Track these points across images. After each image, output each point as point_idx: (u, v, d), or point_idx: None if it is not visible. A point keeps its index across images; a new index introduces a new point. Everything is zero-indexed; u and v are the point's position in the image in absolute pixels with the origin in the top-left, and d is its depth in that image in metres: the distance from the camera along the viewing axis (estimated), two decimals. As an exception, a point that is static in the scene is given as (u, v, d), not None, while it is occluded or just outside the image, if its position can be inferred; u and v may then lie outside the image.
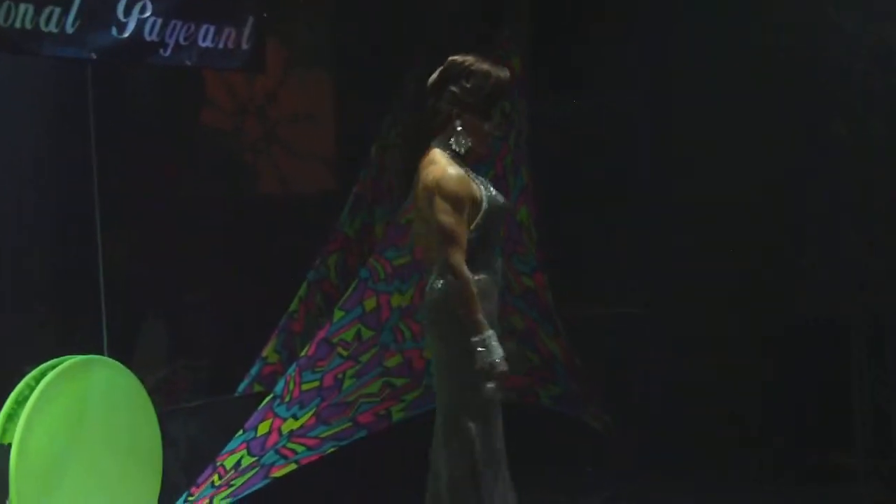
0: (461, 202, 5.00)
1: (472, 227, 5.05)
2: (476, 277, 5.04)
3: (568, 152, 8.57)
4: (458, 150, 5.13)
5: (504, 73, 5.21)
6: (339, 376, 6.83)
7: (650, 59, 8.34)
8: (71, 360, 6.01)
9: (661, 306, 8.40)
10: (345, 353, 6.86)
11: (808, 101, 7.85)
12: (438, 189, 5.03)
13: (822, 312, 7.87)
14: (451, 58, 5.23)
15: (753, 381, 8.05)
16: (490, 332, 4.93)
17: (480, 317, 4.93)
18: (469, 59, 5.19)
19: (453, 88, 5.15)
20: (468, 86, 5.13)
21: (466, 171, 5.13)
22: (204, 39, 7.06)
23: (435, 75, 5.23)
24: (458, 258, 4.95)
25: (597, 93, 8.61)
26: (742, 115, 7.95)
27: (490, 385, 4.96)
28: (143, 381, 6.37)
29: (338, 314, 6.93)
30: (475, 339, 4.92)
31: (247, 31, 7.31)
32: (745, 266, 8.03)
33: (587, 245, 8.50)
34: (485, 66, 5.17)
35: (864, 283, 7.68)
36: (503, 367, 4.92)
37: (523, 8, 7.99)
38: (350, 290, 7.01)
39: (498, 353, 4.92)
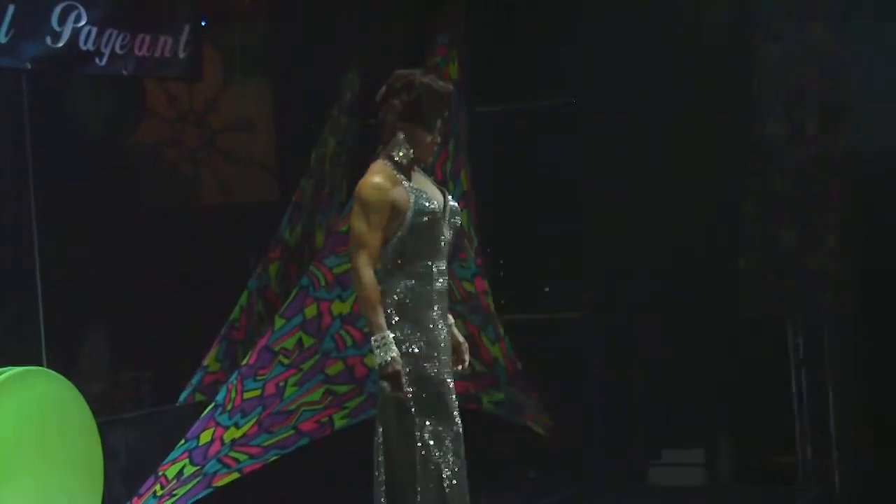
0: (373, 209, 5.15)
1: (394, 235, 5.17)
2: (404, 283, 5.16)
3: (507, 157, 8.60)
4: (400, 160, 5.23)
5: (445, 86, 5.36)
6: (281, 384, 6.82)
7: (591, 64, 8.38)
8: (9, 372, 5.95)
9: (602, 310, 8.44)
10: (286, 361, 6.85)
11: (744, 104, 7.92)
12: (357, 195, 5.24)
13: (761, 314, 7.94)
14: (395, 71, 5.33)
15: (695, 382, 8.11)
16: (386, 333, 5.07)
17: (377, 318, 5.08)
18: (412, 72, 5.32)
19: (396, 101, 5.26)
20: (410, 99, 5.25)
21: (403, 180, 5.21)
22: (140, 48, 7.04)
23: (382, 89, 5.32)
24: (362, 261, 5.12)
25: (535, 98, 8.64)
26: (680, 118, 8.00)
27: (384, 383, 5.07)
28: (83, 392, 6.31)
29: (279, 322, 6.92)
30: (373, 338, 5.07)
31: (183, 40, 7.29)
32: (685, 268, 8.09)
33: (527, 250, 8.53)
34: (426, 80, 5.29)
35: (801, 285, 7.76)
36: (396, 366, 5.04)
37: (459, 14, 8.01)
38: (291, 297, 7.01)
39: (392, 353, 5.04)
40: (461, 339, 5.41)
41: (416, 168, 5.32)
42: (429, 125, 5.28)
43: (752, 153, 7.95)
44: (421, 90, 5.25)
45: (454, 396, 5.24)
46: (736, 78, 7.95)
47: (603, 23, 8.22)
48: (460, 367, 5.40)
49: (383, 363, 5.04)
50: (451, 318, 5.40)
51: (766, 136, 7.90)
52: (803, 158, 7.76)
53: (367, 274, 5.11)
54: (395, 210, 5.17)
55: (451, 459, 5.17)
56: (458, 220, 5.42)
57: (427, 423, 5.14)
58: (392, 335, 5.07)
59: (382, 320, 5.08)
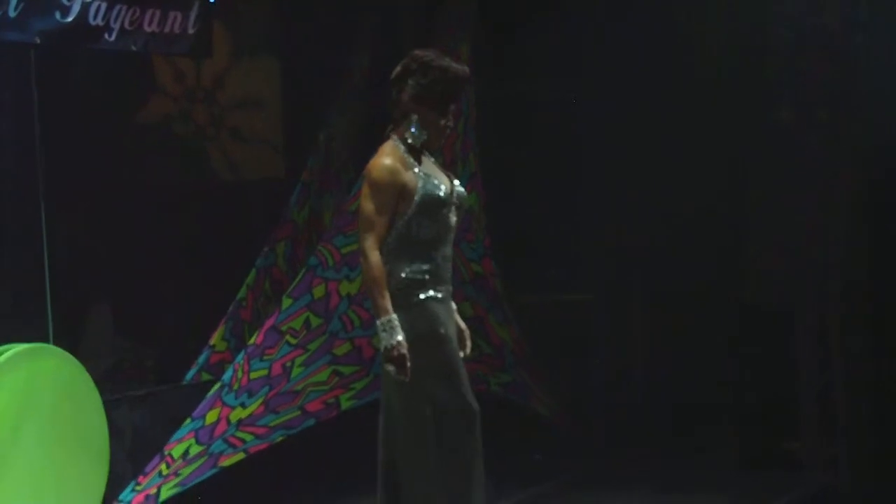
0: (382, 191, 5.12)
1: (401, 218, 5.15)
2: (409, 268, 5.14)
3: (516, 138, 8.58)
4: (413, 142, 5.21)
5: (462, 70, 5.32)
6: (288, 364, 6.81)
7: (599, 45, 8.36)
8: (16, 349, 5.95)
9: (610, 294, 8.42)
10: (293, 341, 6.84)
11: (755, 90, 7.89)
12: (367, 176, 5.21)
13: (768, 301, 7.93)
14: (412, 52, 5.30)
15: (701, 368, 8.10)
16: (392, 316, 5.04)
17: (383, 300, 5.06)
18: (429, 54, 5.28)
19: (411, 82, 5.22)
20: (426, 81, 5.22)
21: (413, 163, 5.18)
22: (149, 24, 7.00)
23: (397, 69, 5.28)
24: (370, 243, 5.10)
25: (545, 79, 8.62)
26: (690, 103, 7.98)
27: (389, 367, 5.04)
28: (89, 369, 6.32)
29: (286, 302, 6.91)
30: (378, 321, 5.05)
31: (193, 16, 7.25)
32: (693, 255, 8.07)
33: (536, 232, 8.52)
34: (444, 63, 5.25)
35: (808, 272, 7.74)
36: (401, 350, 5.01)
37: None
38: (298, 277, 6.99)
39: (398, 336, 5.01)
40: (462, 325, 5.40)
41: (424, 151, 5.30)
42: (442, 109, 5.24)
43: (762, 139, 7.93)
44: (437, 73, 5.21)
45: (466, 377, 5.23)
46: (746, 63, 7.92)
47: (613, 6, 8.19)
48: (461, 354, 5.39)
49: (389, 346, 5.01)
50: (453, 304, 5.38)
51: (776, 122, 7.87)
52: (813, 145, 7.72)
53: (374, 256, 5.09)
54: (404, 193, 5.15)
55: (468, 440, 5.16)
56: (464, 206, 5.39)
57: (439, 403, 5.12)
58: (397, 317, 5.05)
59: (388, 303, 5.05)
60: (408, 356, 5.00)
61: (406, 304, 5.13)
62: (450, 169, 6.59)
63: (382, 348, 5.04)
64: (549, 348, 8.16)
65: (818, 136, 7.69)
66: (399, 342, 5.00)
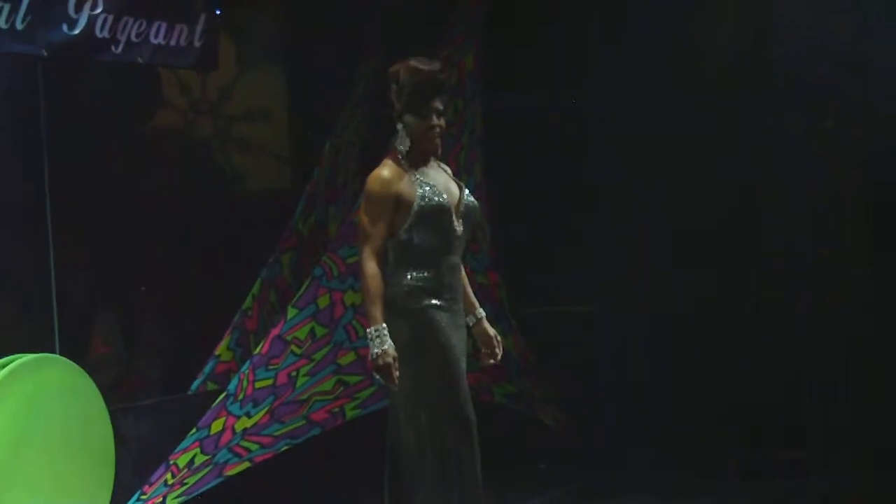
0: (377, 201, 5.18)
1: (401, 227, 5.19)
2: (410, 276, 5.18)
3: (522, 150, 8.59)
4: (403, 152, 5.23)
5: (429, 67, 5.27)
6: (293, 374, 6.84)
7: (604, 56, 8.38)
8: (23, 359, 5.97)
9: (614, 303, 8.43)
10: (298, 351, 6.87)
11: (762, 99, 7.90)
12: (365, 188, 5.27)
13: (772, 306, 7.94)
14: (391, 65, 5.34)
15: (704, 376, 8.10)
16: (381, 326, 5.08)
17: (374, 310, 5.11)
18: (403, 60, 5.29)
19: (391, 92, 5.25)
20: (397, 88, 5.25)
21: (412, 173, 5.20)
22: (156, 36, 7.06)
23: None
24: (366, 253, 5.15)
25: (552, 90, 8.63)
26: (697, 113, 7.99)
27: (376, 375, 5.09)
28: (95, 379, 6.34)
29: (291, 312, 6.94)
30: (367, 330, 5.10)
31: (199, 29, 7.31)
32: (696, 262, 8.08)
33: (541, 243, 8.53)
34: (408, 64, 5.26)
35: (813, 279, 7.75)
36: (387, 358, 5.04)
37: (478, 4, 7.99)
38: (304, 287, 7.02)
39: (384, 345, 5.03)
40: (492, 332, 5.43)
41: (431, 160, 5.32)
42: (419, 111, 5.24)
43: (768, 147, 7.94)
44: (405, 76, 5.23)
45: (466, 386, 5.25)
46: (752, 72, 7.93)
47: (619, 17, 8.20)
48: (492, 361, 5.43)
49: (375, 354, 5.05)
50: (482, 312, 5.43)
51: (782, 131, 7.88)
52: (820, 151, 7.74)
53: (370, 266, 5.13)
54: (400, 203, 5.18)
55: (463, 449, 5.18)
56: (474, 215, 5.40)
57: (436, 411, 5.15)
58: (396, 325, 5.10)
59: (379, 313, 5.10)
60: (394, 365, 5.04)
61: (406, 310, 5.17)
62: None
63: (371, 356, 5.08)
64: (552, 358, 8.17)
65: (825, 143, 7.71)
66: (385, 351, 5.05)
